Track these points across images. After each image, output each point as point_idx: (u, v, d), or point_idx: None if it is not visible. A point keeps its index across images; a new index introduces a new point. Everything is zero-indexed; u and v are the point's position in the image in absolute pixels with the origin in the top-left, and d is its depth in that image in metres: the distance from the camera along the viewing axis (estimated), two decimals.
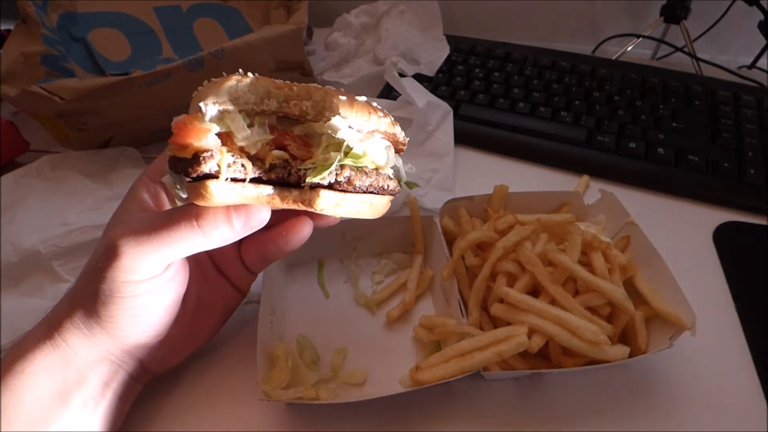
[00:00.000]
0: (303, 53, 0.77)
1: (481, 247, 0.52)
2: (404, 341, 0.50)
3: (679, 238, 0.59)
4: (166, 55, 0.85)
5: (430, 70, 0.84)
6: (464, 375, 0.41)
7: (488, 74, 0.84)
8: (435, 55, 0.86)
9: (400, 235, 0.57)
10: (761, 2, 0.88)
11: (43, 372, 0.35)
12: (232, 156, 0.31)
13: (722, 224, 0.61)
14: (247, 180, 0.32)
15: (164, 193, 0.41)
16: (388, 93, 0.81)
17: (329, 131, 0.34)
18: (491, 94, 0.79)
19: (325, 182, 0.33)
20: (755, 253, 0.59)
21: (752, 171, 0.65)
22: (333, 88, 0.35)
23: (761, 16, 0.88)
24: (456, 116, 0.73)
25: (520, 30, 1.12)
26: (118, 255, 0.33)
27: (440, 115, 0.70)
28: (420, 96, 0.68)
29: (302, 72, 0.80)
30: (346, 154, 0.34)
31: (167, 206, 0.40)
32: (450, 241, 0.54)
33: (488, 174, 0.69)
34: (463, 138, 0.72)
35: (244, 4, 0.91)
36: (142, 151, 0.70)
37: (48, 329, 0.36)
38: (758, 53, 0.97)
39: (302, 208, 0.34)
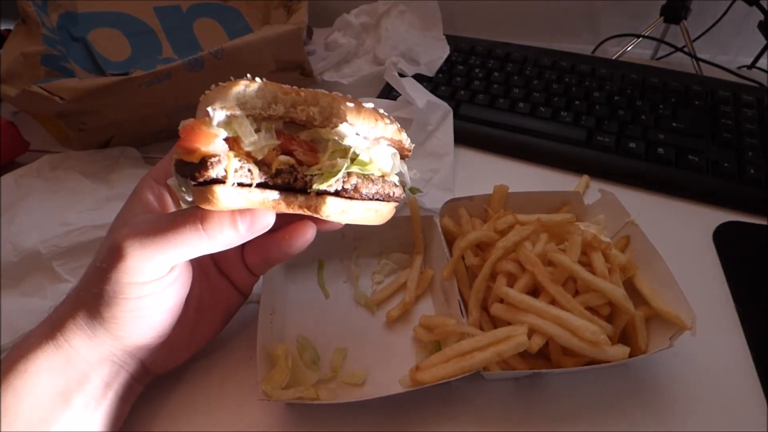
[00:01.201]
0: (303, 53, 0.77)
1: (481, 247, 0.52)
2: (404, 341, 0.50)
3: (679, 238, 0.59)
4: (166, 55, 0.85)
5: (430, 70, 0.84)
6: (464, 375, 0.41)
7: (488, 74, 0.84)
8: (435, 55, 0.86)
9: (400, 235, 0.57)
10: (761, 2, 0.88)
11: (45, 372, 0.35)
12: (239, 161, 0.31)
13: (722, 224, 0.61)
14: (254, 185, 0.32)
15: (169, 194, 0.40)
16: (388, 93, 0.81)
17: (336, 138, 0.34)
18: (491, 94, 0.79)
19: (332, 189, 0.33)
20: (755, 253, 0.59)
21: (752, 171, 0.65)
22: (340, 95, 0.35)
23: (761, 16, 0.88)
24: (456, 116, 0.73)
25: (520, 30, 1.11)
26: (123, 256, 0.33)
27: (440, 115, 0.70)
28: (420, 96, 0.68)
29: (302, 72, 0.80)
30: (352, 161, 0.34)
31: (171, 208, 0.41)
32: (450, 241, 0.54)
33: (488, 174, 0.69)
34: (463, 138, 0.72)
35: (244, 4, 0.91)
36: (142, 151, 0.70)
37: (50, 329, 0.36)
38: (758, 53, 0.97)
39: (308, 213, 0.34)
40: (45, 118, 0.66)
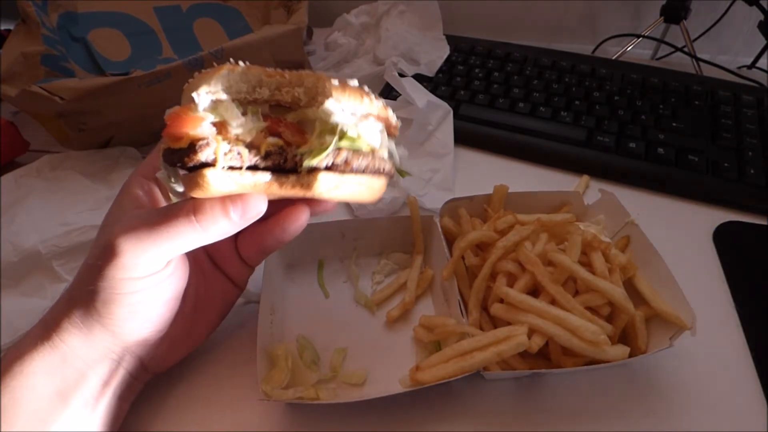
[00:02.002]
0: (303, 53, 0.77)
1: (481, 247, 0.52)
2: (404, 341, 0.50)
3: (679, 238, 0.59)
4: (166, 55, 0.85)
5: (430, 70, 0.84)
6: (464, 375, 0.41)
7: (488, 74, 0.84)
8: (435, 55, 0.86)
9: (400, 235, 0.57)
10: (761, 2, 0.88)
11: (41, 373, 0.35)
12: (228, 144, 0.31)
13: (722, 224, 0.61)
14: (244, 168, 0.32)
15: (158, 189, 0.40)
16: (388, 93, 0.81)
17: (323, 115, 0.33)
18: (491, 94, 0.79)
19: (323, 165, 0.33)
20: (755, 253, 0.59)
21: (752, 171, 0.65)
22: (325, 74, 0.35)
23: (761, 16, 0.88)
24: (456, 116, 0.73)
25: (520, 30, 1.12)
26: (118, 253, 0.33)
27: (440, 115, 0.70)
28: (420, 96, 0.68)
29: None
30: (341, 137, 0.34)
31: (162, 203, 0.40)
32: (450, 241, 0.54)
33: (488, 174, 0.69)
34: (463, 138, 0.72)
35: (244, 4, 0.91)
36: (142, 151, 0.71)
37: (45, 330, 0.36)
38: (758, 53, 0.97)
39: (300, 193, 0.34)
40: (45, 118, 0.66)
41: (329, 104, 0.33)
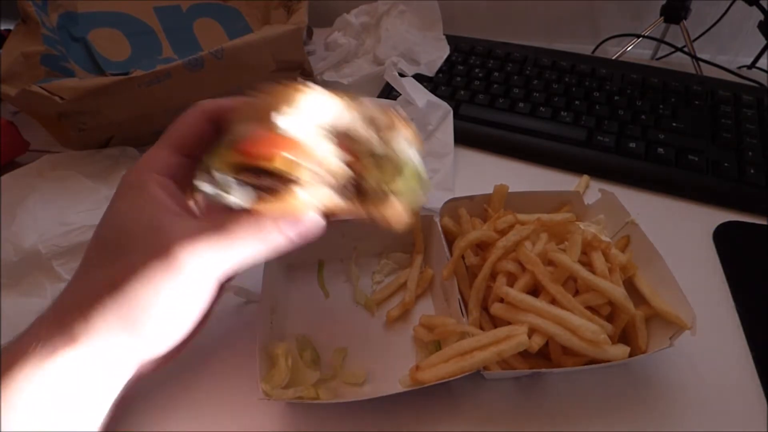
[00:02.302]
0: (303, 53, 0.77)
1: (482, 247, 0.52)
2: (404, 341, 0.50)
3: (679, 238, 0.59)
4: (166, 55, 0.85)
5: (430, 70, 0.84)
6: (464, 374, 0.41)
7: (488, 74, 0.84)
8: (435, 55, 0.86)
9: (400, 235, 0.57)
10: (761, 2, 0.88)
11: (50, 382, 0.33)
12: (310, 165, 0.32)
13: (722, 224, 0.61)
14: (323, 189, 0.33)
15: (178, 191, 0.39)
16: (388, 93, 0.81)
17: (399, 153, 0.35)
18: (491, 94, 0.79)
19: (409, 205, 0.36)
20: (755, 253, 0.59)
21: (752, 171, 0.65)
22: (393, 110, 0.37)
23: (761, 16, 0.88)
24: (456, 116, 0.73)
25: (520, 30, 1.12)
26: (180, 267, 0.32)
27: (440, 115, 0.70)
28: (420, 96, 0.68)
29: (302, 72, 0.80)
30: (417, 176, 0.37)
31: (194, 208, 0.39)
32: (450, 241, 0.54)
33: (488, 174, 0.69)
34: (463, 138, 0.72)
35: (244, 4, 0.91)
36: (142, 151, 0.70)
37: (68, 339, 0.33)
38: (758, 53, 0.97)
39: (363, 215, 0.36)
40: (45, 118, 0.66)
41: (404, 145, 0.36)
